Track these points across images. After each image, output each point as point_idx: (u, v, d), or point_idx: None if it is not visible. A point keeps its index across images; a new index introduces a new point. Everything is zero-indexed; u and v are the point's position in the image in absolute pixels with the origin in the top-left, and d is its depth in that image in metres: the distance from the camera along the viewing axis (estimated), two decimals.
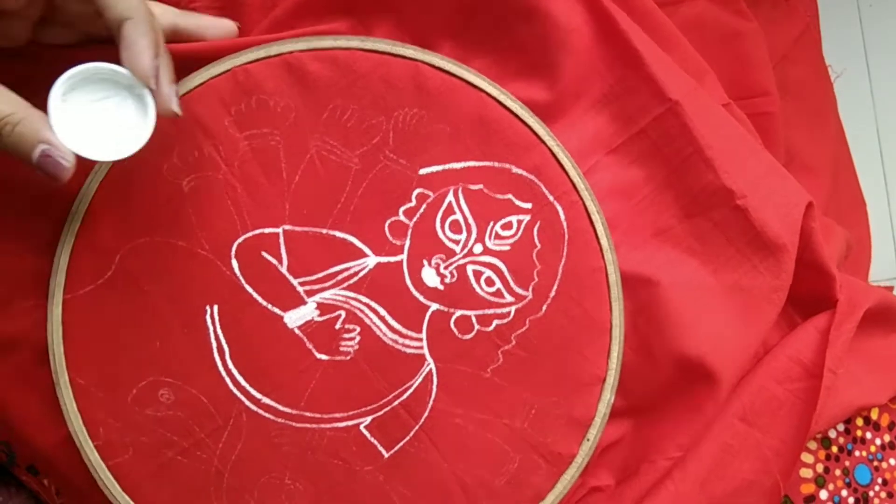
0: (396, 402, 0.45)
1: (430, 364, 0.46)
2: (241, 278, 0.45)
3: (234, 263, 0.45)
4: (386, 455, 0.45)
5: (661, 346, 0.47)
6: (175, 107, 0.40)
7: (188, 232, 0.44)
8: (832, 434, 0.53)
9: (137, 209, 0.44)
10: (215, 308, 0.45)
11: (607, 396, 0.46)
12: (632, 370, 0.48)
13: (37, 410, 0.45)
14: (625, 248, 0.48)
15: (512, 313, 0.46)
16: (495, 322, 0.46)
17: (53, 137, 0.37)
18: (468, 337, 0.46)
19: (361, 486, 0.45)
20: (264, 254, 0.45)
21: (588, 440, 0.46)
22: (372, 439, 0.45)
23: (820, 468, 0.53)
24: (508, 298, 0.46)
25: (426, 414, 0.46)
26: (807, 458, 0.53)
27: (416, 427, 0.45)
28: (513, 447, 0.46)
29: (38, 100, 0.38)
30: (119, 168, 0.44)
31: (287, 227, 0.45)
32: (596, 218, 0.46)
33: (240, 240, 0.45)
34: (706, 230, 0.49)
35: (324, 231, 0.45)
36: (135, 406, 0.44)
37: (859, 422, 0.54)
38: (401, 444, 0.45)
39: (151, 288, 0.44)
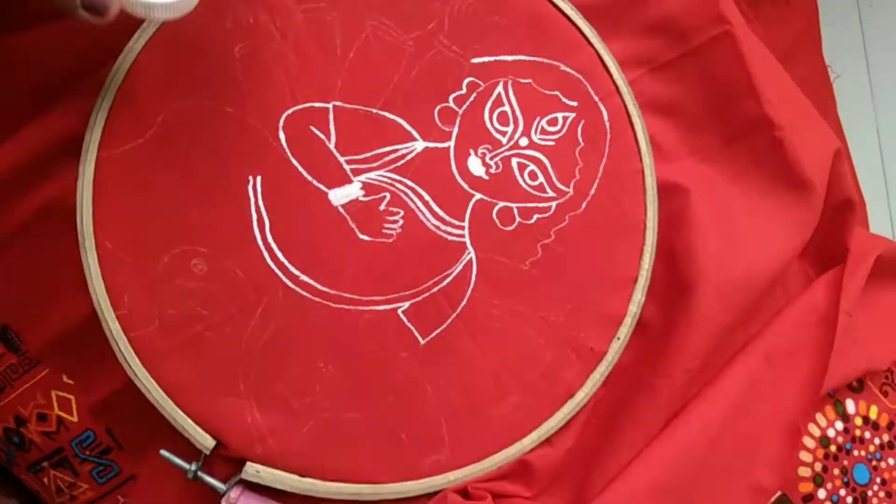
0: (436, 289, 0.45)
1: (471, 253, 0.46)
2: (287, 151, 0.44)
3: (282, 135, 0.44)
4: (422, 341, 0.45)
5: (680, 255, 0.49)
6: None
7: (237, 99, 0.43)
8: (831, 433, 0.54)
9: (186, 71, 0.43)
10: (258, 179, 0.43)
11: (638, 296, 0.47)
12: (656, 277, 0.49)
13: (61, 279, 0.42)
14: (660, 160, 0.49)
15: (553, 208, 0.47)
16: (536, 216, 0.46)
17: None
18: (509, 228, 0.46)
19: (395, 372, 0.44)
20: (312, 128, 0.44)
21: (618, 339, 0.47)
22: (409, 324, 0.45)
23: (818, 467, 0.53)
24: (550, 193, 0.47)
25: (464, 302, 0.45)
26: (805, 456, 0.53)
27: (454, 315, 0.45)
28: (547, 340, 0.46)
29: None
30: (169, 27, 0.42)
31: (337, 103, 0.44)
32: (636, 122, 0.48)
33: (289, 111, 0.44)
34: (740, 155, 0.51)
35: (374, 111, 0.45)
36: (164, 275, 0.42)
37: (858, 421, 0.55)
38: (437, 331, 0.45)
39: (193, 152, 0.43)
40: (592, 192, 0.47)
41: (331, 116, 0.44)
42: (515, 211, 0.46)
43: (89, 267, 0.41)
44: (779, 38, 0.69)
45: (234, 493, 0.43)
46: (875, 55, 0.91)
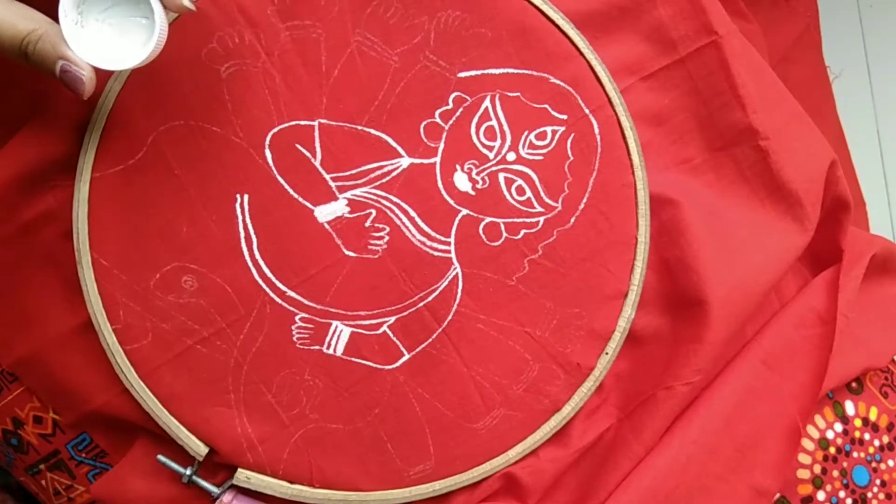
0: (421, 304, 0.46)
1: (457, 268, 0.46)
2: (273, 169, 0.44)
3: (268, 153, 0.44)
4: (407, 356, 0.46)
5: (677, 267, 0.48)
6: (186, 1, 0.38)
7: (224, 118, 0.44)
8: (830, 435, 0.53)
9: (173, 92, 0.43)
10: (245, 197, 0.44)
11: (628, 312, 0.47)
12: (650, 289, 0.48)
13: (57, 292, 0.45)
14: (649, 172, 0.48)
15: (540, 223, 0.46)
16: (523, 231, 0.46)
17: (70, 53, 0.37)
18: (496, 244, 0.46)
19: (381, 385, 0.45)
20: (298, 146, 0.44)
21: (607, 353, 0.47)
22: (394, 339, 0.45)
23: (817, 469, 0.52)
24: (538, 208, 0.46)
25: (450, 317, 0.46)
26: (804, 458, 0.52)
27: (439, 330, 0.46)
28: (533, 355, 0.46)
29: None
30: None
31: (323, 120, 0.45)
32: (629, 134, 0.46)
33: (275, 130, 0.44)
34: (725, 165, 0.50)
35: (359, 128, 0.45)
36: (157, 291, 0.44)
37: (857, 423, 0.54)
38: (423, 345, 0.46)
39: (183, 172, 0.44)
40: (581, 206, 0.46)
41: (316, 134, 0.45)
42: (502, 226, 0.46)
43: (86, 283, 0.43)
44: (779, 39, 0.69)
45: (226, 497, 0.45)
46: (875, 56, 0.90)
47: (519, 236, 0.46)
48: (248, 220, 0.44)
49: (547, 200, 0.46)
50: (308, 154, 0.45)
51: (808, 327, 0.52)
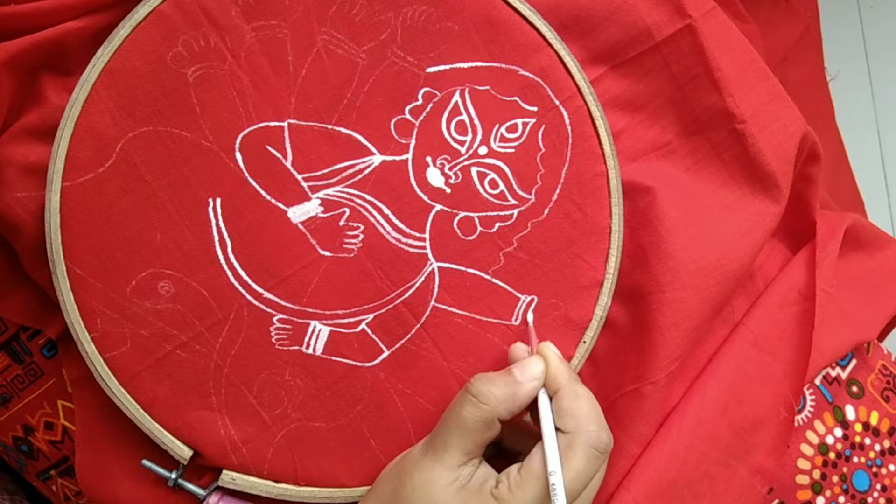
0: (398, 301, 0.46)
1: (433, 264, 0.46)
2: (244, 171, 0.44)
3: (238, 156, 0.44)
4: (387, 352, 0.46)
5: (652, 253, 0.48)
6: None
7: (192, 122, 0.44)
8: (829, 440, 0.53)
9: (141, 98, 0.43)
10: (218, 201, 0.44)
11: (604, 300, 0.47)
12: (625, 277, 0.49)
13: (35, 302, 0.45)
14: (624, 159, 0.49)
15: (514, 216, 0.46)
16: (498, 224, 0.46)
17: None
18: (471, 238, 0.46)
19: (361, 382, 0.46)
20: (269, 147, 0.44)
21: (584, 342, 0.47)
22: (373, 336, 0.46)
23: (817, 474, 0.52)
24: (511, 201, 0.46)
25: (427, 313, 0.46)
26: (803, 464, 0.53)
27: (418, 325, 0.46)
28: None
29: None
30: (121, 56, 0.43)
31: (292, 121, 0.44)
32: (599, 123, 0.46)
33: (244, 132, 0.44)
34: (702, 149, 0.50)
35: (329, 127, 0.45)
36: (133, 298, 0.44)
37: (858, 427, 0.54)
38: (402, 341, 0.46)
39: (153, 178, 0.44)
40: (555, 198, 0.46)
41: (286, 134, 0.44)
42: (476, 220, 0.46)
43: (62, 292, 0.43)
44: (778, 39, 0.68)
45: (212, 499, 0.46)
46: (876, 57, 0.91)
47: (493, 230, 0.46)
48: (221, 224, 0.44)
49: (520, 193, 0.46)
50: (279, 155, 0.44)
51: (792, 305, 0.52)
